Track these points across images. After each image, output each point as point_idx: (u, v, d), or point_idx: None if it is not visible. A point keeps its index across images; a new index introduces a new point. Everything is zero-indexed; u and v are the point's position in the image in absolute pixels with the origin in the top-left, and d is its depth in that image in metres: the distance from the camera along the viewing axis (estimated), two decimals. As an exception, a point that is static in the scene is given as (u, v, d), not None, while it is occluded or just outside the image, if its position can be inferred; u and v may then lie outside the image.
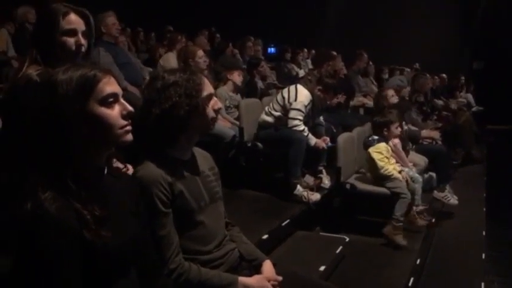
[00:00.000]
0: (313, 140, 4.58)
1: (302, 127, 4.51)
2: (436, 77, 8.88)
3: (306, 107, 4.53)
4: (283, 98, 4.62)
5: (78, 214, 1.24)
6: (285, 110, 4.59)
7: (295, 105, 4.51)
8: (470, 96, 10.21)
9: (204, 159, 2.06)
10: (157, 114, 1.80)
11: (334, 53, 6.33)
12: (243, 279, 1.87)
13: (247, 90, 6.15)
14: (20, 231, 1.20)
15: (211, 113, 1.90)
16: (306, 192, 4.39)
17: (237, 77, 5.32)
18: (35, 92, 1.34)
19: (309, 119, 4.74)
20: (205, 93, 1.87)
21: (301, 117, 4.50)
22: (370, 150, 4.33)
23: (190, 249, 1.85)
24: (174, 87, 1.82)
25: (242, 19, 9.97)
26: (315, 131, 4.84)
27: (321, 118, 5.15)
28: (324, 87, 4.68)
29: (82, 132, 1.29)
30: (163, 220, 1.77)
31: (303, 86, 4.62)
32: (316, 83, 4.69)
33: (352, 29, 10.10)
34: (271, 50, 10.37)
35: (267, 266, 2.01)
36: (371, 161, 4.34)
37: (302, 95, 4.54)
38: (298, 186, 4.42)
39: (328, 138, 4.83)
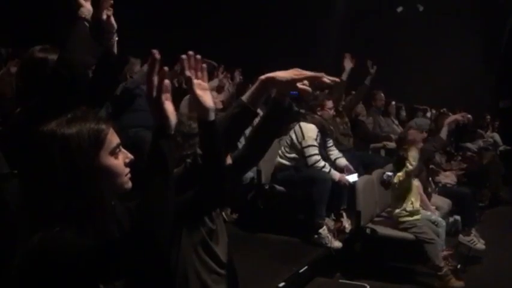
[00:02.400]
0: (336, 175, 4.54)
1: (322, 163, 4.50)
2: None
3: (316, 139, 4.53)
4: (292, 139, 4.63)
5: None
6: (297, 150, 4.58)
7: (305, 143, 4.53)
8: (496, 136, 9.98)
9: None
10: None
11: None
12: None
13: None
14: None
15: None
16: (331, 235, 4.30)
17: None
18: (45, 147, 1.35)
19: (322, 148, 4.72)
20: None
21: (317, 151, 4.51)
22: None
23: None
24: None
25: (264, 60, 10.03)
26: (334, 165, 4.80)
27: (336, 151, 5.08)
28: (319, 106, 4.70)
29: (95, 183, 1.33)
30: None
31: (305, 121, 4.62)
32: (312, 112, 4.70)
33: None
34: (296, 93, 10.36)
35: None
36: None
37: (308, 130, 4.56)
38: (324, 227, 4.34)
39: (351, 167, 4.77)
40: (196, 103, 1.52)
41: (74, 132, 1.33)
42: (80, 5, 2.16)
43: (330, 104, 4.85)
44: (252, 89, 1.66)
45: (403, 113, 8.18)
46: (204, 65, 1.56)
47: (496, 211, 7.32)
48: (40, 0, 7.58)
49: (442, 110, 8.66)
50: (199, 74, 1.54)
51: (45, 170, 1.31)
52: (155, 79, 1.31)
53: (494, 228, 6.20)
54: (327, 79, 1.63)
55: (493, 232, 5.91)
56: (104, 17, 2.16)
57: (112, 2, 2.19)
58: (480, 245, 5.23)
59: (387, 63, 8.36)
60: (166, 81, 1.33)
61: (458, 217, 5.32)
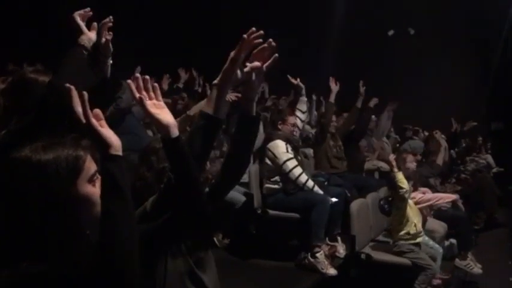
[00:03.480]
0: (320, 192, 4.49)
1: (305, 177, 4.44)
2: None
3: (287, 152, 4.48)
4: (268, 164, 4.59)
5: None
6: (277, 171, 4.52)
7: (280, 160, 4.47)
8: (489, 158, 9.95)
9: None
10: None
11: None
12: None
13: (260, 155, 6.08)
14: None
15: None
16: (327, 261, 4.20)
17: None
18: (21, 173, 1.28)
19: (298, 156, 4.68)
20: None
21: (295, 163, 4.46)
22: None
23: None
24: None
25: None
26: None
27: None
28: (279, 120, 4.72)
29: (72, 212, 1.27)
30: None
31: (271, 141, 4.58)
32: (275, 130, 4.68)
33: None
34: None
35: None
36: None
37: (277, 147, 4.52)
38: (322, 252, 4.24)
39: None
40: (155, 122, 1.48)
41: (51, 158, 1.26)
42: (81, 33, 2.14)
43: (292, 119, 4.81)
44: (209, 97, 1.67)
45: (392, 135, 8.18)
46: (156, 84, 1.54)
47: (492, 234, 7.24)
48: (36, 19, 7.58)
49: (435, 132, 8.61)
50: (151, 94, 1.51)
51: (19, 198, 1.23)
52: (78, 107, 1.27)
53: (490, 252, 6.12)
54: (256, 39, 1.63)
55: (489, 256, 5.82)
56: (103, 40, 2.14)
57: (111, 24, 2.18)
58: (477, 269, 5.15)
59: (378, 86, 8.35)
60: (97, 110, 1.30)
61: (454, 241, 5.24)
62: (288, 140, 4.60)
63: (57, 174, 1.25)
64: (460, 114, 9.75)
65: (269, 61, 1.69)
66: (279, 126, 4.73)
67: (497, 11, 10.75)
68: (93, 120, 1.27)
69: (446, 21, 10.76)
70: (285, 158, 4.45)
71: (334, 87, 5.76)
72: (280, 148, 4.49)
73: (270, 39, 1.68)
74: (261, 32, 1.64)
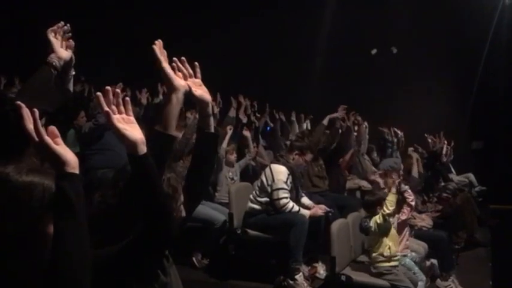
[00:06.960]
0: (307, 213, 4.46)
1: (291, 205, 4.42)
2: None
3: (286, 182, 4.46)
4: (262, 182, 4.56)
5: None
6: (268, 193, 4.49)
7: (275, 185, 4.46)
8: (471, 176, 9.98)
9: None
10: None
11: None
12: None
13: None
14: None
15: None
16: (307, 283, 4.17)
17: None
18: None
19: (294, 190, 4.63)
20: None
21: (286, 195, 4.43)
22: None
23: None
24: None
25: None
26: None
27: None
28: (299, 150, 4.65)
29: (37, 247, 1.23)
30: None
31: (276, 163, 4.58)
32: (288, 153, 4.66)
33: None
34: (269, 128, 10.35)
35: None
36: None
37: (278, 173, 4.50)
38: (301, 273, 4.20)
39: (324, 206, 4.71)
40: (121, 138, 1.43)
41: (35, 181, 1.23)
42: (52, 51, 2.07)
43: (309, 156, 4.82)
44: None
45: (374, 154, 8.23)
46: (127, 98, 1.50)
47: (472, 253, 7.22)
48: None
49: (410, 149, 8.62)
50: (121, 108, 1.46)
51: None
52: (29, 125, 1.22)
53: (470, 272, 6.10)
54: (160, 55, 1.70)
55: (469, 276, 5.81)
56: (64, 48, 2.09)
57: (70, 34, 2.13)
58: (457, 290, 5.14)
59: (360, 105, 8.42)
60: (52, 127, 1.24)
61: (435, 261, 5.23)
62: (292, 171, 4.59)
63: (30, 201, 1.20)
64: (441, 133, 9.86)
65: (196, 72, 1.78)
66: (294, 155, 4.70)
67: (478, 33, 10.91)
68: (47, 138, 1.21)
69: (429, 42, 10.91)
70: (279, 186, 4.45)
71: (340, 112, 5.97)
72: (282, 175, 4.48)
73: (175, 58, 1.76)
74: (159, 40, 1.73)
